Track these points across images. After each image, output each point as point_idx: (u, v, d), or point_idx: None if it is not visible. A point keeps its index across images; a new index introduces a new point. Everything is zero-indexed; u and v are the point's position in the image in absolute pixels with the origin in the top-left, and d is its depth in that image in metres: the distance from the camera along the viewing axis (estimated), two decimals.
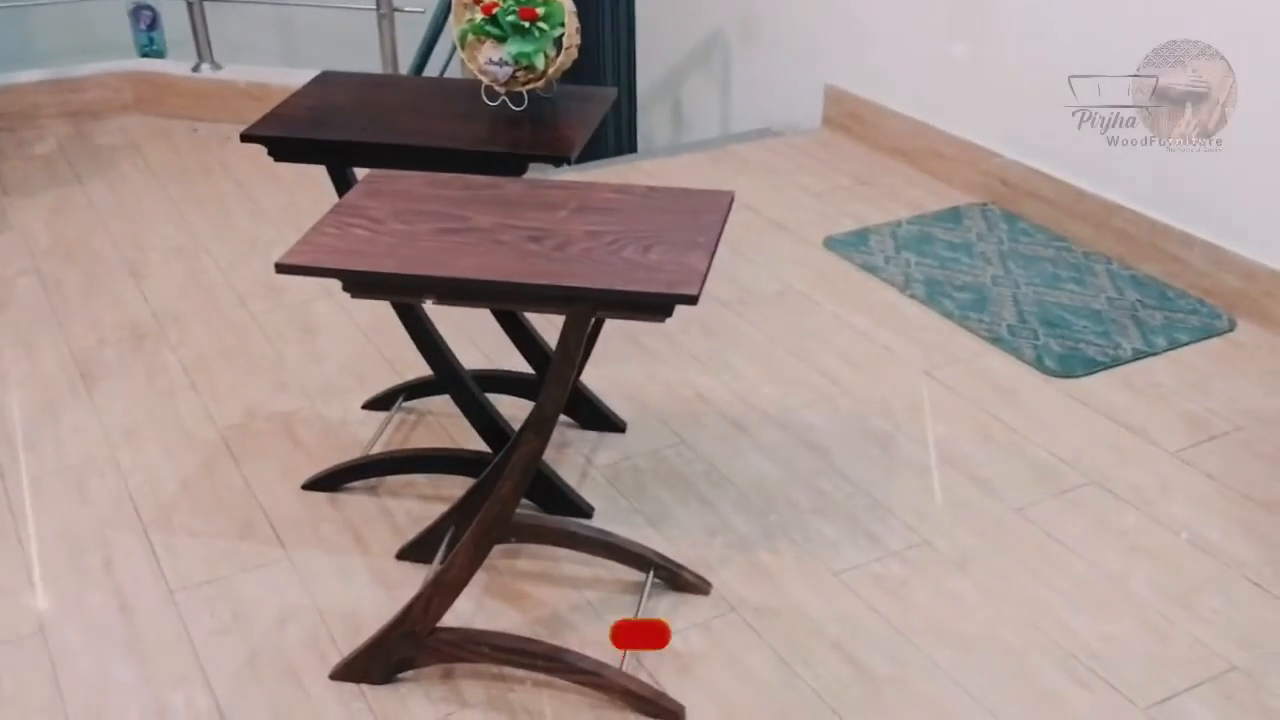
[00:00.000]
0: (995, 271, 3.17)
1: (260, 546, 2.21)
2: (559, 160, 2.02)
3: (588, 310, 1.61)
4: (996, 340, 2.85)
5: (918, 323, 2.95)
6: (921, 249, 3.28)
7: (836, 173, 3.81)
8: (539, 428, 1.72)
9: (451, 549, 1.89)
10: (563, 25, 2.12)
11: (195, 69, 4.23)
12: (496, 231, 1.72)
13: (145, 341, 2.87)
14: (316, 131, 2.11)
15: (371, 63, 4.22)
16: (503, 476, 1.77)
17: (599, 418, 2.52)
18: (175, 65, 4.31)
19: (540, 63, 2.12)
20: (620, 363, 2.75)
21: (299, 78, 2.42)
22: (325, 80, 2.33)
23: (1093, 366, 2.74)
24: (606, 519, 2.27)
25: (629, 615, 2.02)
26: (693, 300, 1.56)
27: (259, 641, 2.00)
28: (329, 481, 2.35)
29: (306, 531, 2.25)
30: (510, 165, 2.03)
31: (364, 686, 1.90)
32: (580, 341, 1.65)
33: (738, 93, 4.59)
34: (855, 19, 3.95)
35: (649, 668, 1.94)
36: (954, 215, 3.49)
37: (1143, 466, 2.41)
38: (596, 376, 2.62)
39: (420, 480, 2.37)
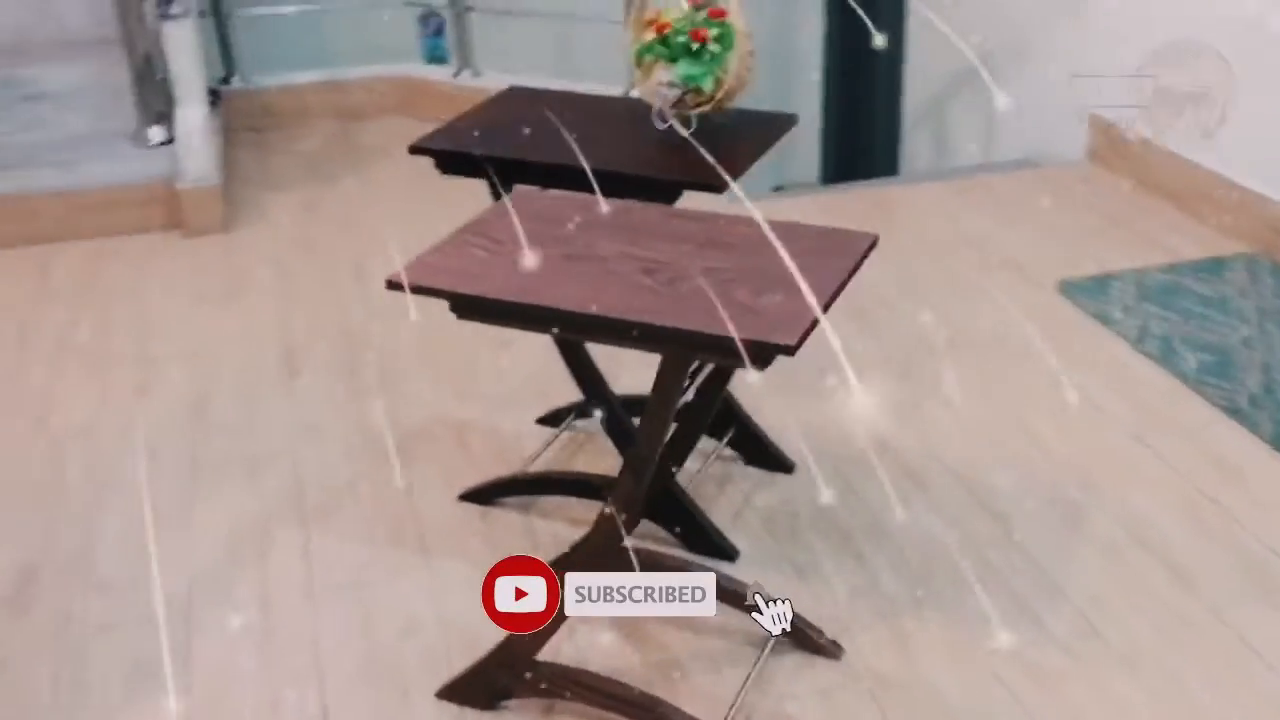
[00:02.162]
0: (1249, 332, 2.83)
1: (406, 554, 2.23)
2: (712, 188, 1.94)
3: (681, 352, 1.52)
4: (1233, 410, 2.54)
5: (1145, 383, 2.67)
6: (1167, 301, 2.98)
7: (1089, 211, 3.52)
8: (635, 470, 1.64)
9: None
10: (733, 48, 2.03)
11: (455, 75, 4.38)
12: (614, 261, 1.65)
13: (353, 340, 2.98)
14: (479, 147, 2.11)
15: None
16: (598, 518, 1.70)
17: (766, 456, 2.41)
18: (437, 71, 4.46)
19: (709, 85, 2.04)
20: (803, 398, 2.62)
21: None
22: (510, 96, 2.34)
23: None
24: (751, 564, 2.16)
25: (746, 669, 1.90)
26: (790, 351, 1.44)
27: (380, 649, 2.01)
28: (483, 495, 2.35)
29: (453, 543, 2.25)
30: (662, 191, 1.96)
31: (466, 710, 1.88)
32: (677, 383, 1.57)
33: (1002, 118, 4.32)
34: (1124, 41, 3.64)
35: None
36: (1214, 265, 3.15)
37: None
38: (775, 410, 2.51)
39: (573, 503, 2.32)
